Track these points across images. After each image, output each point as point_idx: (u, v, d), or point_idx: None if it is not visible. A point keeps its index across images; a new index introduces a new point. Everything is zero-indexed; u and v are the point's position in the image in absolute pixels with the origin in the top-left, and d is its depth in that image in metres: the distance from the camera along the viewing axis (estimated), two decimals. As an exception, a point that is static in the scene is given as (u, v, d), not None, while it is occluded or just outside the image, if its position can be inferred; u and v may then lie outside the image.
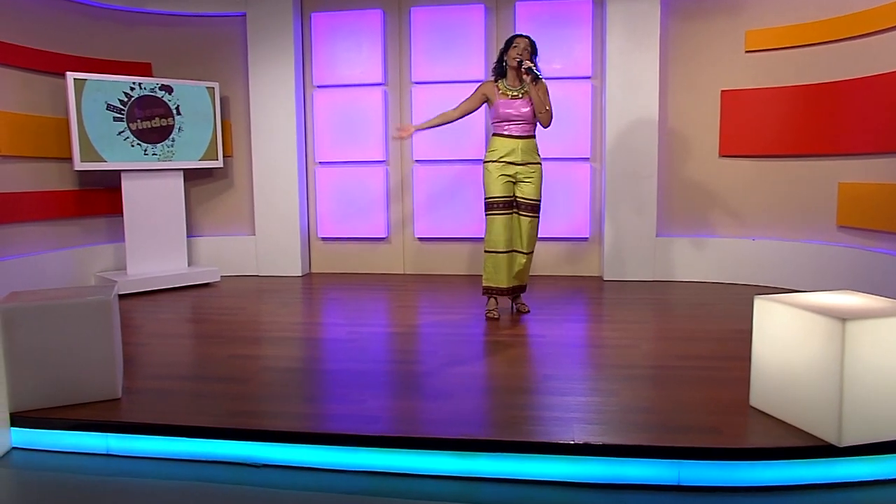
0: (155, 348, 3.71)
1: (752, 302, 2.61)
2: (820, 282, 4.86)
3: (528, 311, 4.38)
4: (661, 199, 5.52)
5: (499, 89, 4.12)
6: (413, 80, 5.85)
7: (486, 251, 4.18)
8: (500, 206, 4.10)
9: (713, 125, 5.42)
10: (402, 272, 6.07)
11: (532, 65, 3.97)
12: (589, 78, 5.65)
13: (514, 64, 4.02)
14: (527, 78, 4.01)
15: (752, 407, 2.63)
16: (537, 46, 4.12)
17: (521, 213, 4.14)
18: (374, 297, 5.16)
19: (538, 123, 4.15)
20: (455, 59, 5.72)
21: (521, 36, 4.11)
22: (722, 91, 5.35)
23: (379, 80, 5.89)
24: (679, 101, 5.49)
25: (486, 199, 4.15)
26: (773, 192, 5.24)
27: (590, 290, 5.22)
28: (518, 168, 4.09)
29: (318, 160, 6.08)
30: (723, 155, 5.40)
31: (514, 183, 4.12)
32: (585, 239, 5.78)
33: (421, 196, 5.93)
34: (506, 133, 4.10)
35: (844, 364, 2.21)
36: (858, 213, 4.67)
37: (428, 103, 5.80)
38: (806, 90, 4.95)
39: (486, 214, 4.15)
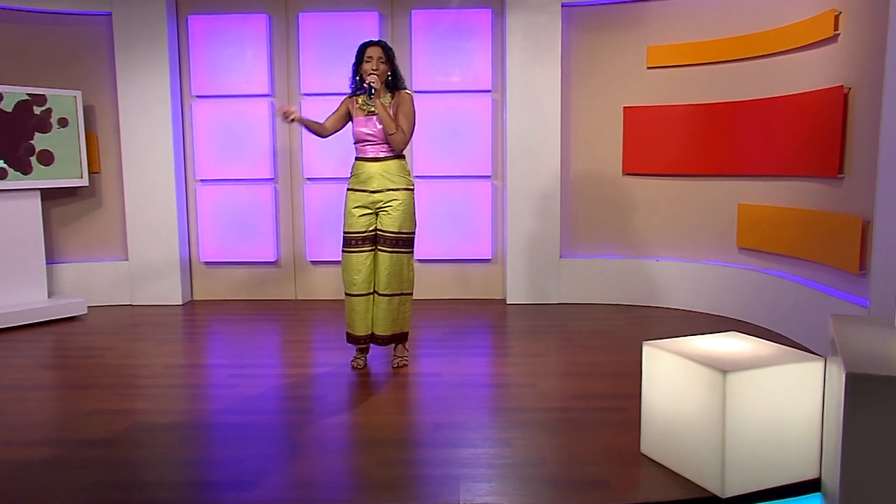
0: None
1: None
2: (720, 303, 5.17)
3: (405, 366, 4.00)
4: (564, 218, 5.70)
5: (357, 104, 3.91)
6: (302, 91, 5.80)
7: (345, 292, 3.94)
8: (356, 242, 3.83)
9: (616, 142, 5.64)
10: (293, 298, 6.02)
11: (375, 80, 3.73)
12: (489, 92, 5.78)
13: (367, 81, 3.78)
14: (371, 97, 3.76)
15: (643, 454, 2.78)
16: (394, 53, 3.88)
17: (379, 247, 3.85)
18: (261, 329, 5.09)
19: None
20: (347, 69, 5.64)
21: (373, 44, 3.85)
22: (624, 107, 5.58)
23: (265, 90, 5.81)
24: (581, 116, 5.69)
25: (343, 232, 3.90)
26: (676, 212, 5.51)
27: (491, 317, 5.33)
28: (377, 196, 3.82)
29: (198, 177, 5.93)
30: (626, 173, 5.64)
31: (375, 214, 3.86)
32: (487, 260, 5.91)
33: (313, 216, 5.89)
34: (362, 156, 3.87)
35: (726, 415, 2.37)
36: (757, 235, 4.98)
37: (319, 117, 5.73)
38: (707, 109, 5.23)
39: (342, 251, 3.90)
